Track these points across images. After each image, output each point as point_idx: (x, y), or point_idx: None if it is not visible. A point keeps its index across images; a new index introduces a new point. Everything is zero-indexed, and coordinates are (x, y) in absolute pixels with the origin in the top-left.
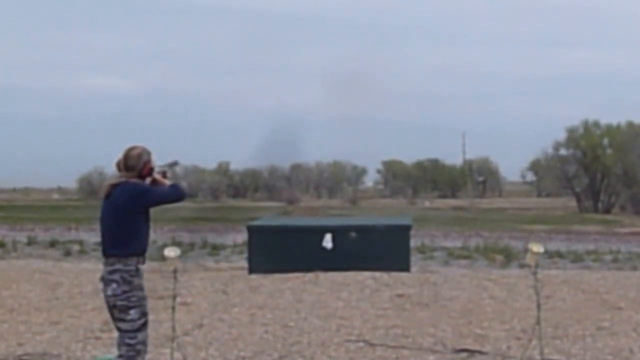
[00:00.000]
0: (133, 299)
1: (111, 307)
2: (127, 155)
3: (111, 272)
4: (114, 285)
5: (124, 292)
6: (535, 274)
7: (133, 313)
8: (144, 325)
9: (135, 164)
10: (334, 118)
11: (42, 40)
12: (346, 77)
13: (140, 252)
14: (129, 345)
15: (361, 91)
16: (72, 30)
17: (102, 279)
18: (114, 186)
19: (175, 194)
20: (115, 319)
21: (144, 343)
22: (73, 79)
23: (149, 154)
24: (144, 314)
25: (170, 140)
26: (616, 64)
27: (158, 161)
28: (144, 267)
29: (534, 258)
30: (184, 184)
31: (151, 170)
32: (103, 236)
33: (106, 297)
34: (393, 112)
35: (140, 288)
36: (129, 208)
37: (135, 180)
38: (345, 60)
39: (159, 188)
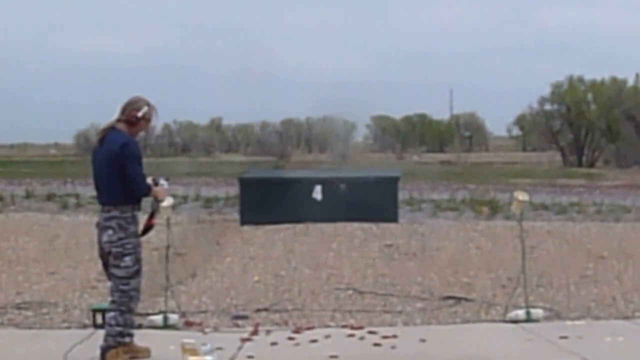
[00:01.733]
0: (128, 246)
1: (106, 254)
2: (126, 101)
3: (107, 219)
4: (110, 232)
5: (120, 239)
6: (520, 222)
7: (128, 260)
8: (138, 272)
9: (126, 106)
10: (323, 75)
11: (41, 1)
12: (335, 36)
13: (135, 199)
14: (122, 291)
15: (351, 50)
16: None
17: (98, 225)
18: (104, 131)
19: (141, 187)
20: (109, 266)
21: (137, 289)
22: (69, 36)
23: (145, 104)
24: (138, 261)
25: (164, 96)
26: (601, 20)
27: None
28: (138, 214)
29: (520, 206)
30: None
31: (134, 118)
32: (97, 184)
33: (101, 243)
34: (381, 70)
35: (135, 235)
36: (118, 157)
37: (124, 128)
38: (338, 19)
39: (137, 168)
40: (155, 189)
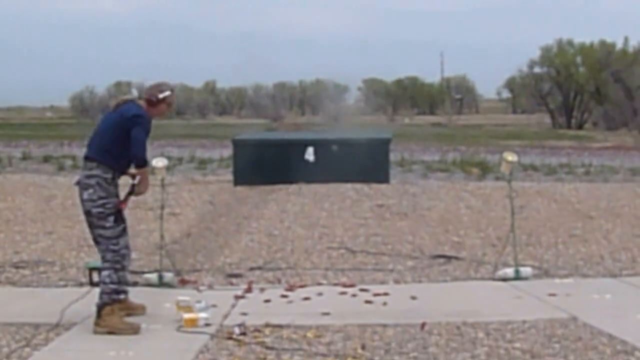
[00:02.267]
0: (109, 205)
1: (86, 213)
2: (152, 84)
3: (89, 177)
4: (90, 191)
5: (100, 197)
6: (509, 182)
7: (111, 219)
8: (124, 230)
9: (150, 88)
10: (317, 37)
11: None
12: None
13: (119, 169)
14: (114, 251)
15: (340, 9)
16: None
17: (79, 182)
18: (123, 100)
19: (142, 153)
20: (94, 228)
21: (127, 247)
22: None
23: (168, 90)
24: (123, 220)
25: (159, 58)
26: None
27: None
28: (118, 180)
29: (509, 167)
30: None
31: (156, 99)
32: (92, 139)
33: (82, 201)
34: (372, 31)
35: (116, 196)
36: (128, 124)
37: (143, 105)
38: None
39: (142, 135)
40: (144, 170)
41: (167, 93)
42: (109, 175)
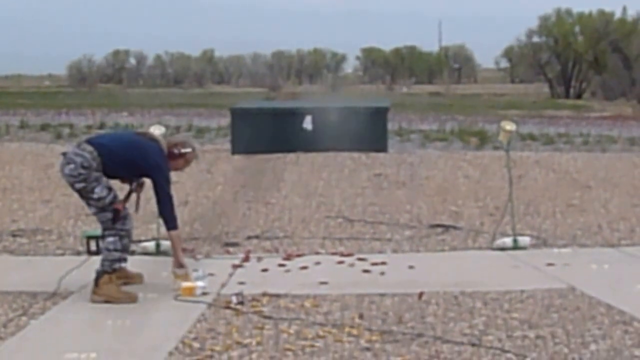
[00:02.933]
0: (91, 178)
1: (70, 186)
2: (180, 141)
3: (77, 154)
4: (72, 166)
5: (80, 174)
6: (507, 151)
7: (98, 190)
8: (115, 197)
9: (174, 141)
10: (316, 7)
11: None
12: None
13: (105, 172)
14: (114, 219)
15: None
16: None
17: (65, 154)
18: (152, 138)
19: (168, 210)
20: (84, 199)
21: (126, 209)
22: None
23: (190, 147)
24: (110, 189)
25: (156, 28)
26: None
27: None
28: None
29: (506, 136)
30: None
31: (176, 154)
32: (105, 135)
33: (63, 175)
34: (371, 1)
35: (97, 170)
36: (144, 167)
37: (165, 150)
38: None
39: (167, 190)
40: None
41: (189, 150)
42: (94, 164)
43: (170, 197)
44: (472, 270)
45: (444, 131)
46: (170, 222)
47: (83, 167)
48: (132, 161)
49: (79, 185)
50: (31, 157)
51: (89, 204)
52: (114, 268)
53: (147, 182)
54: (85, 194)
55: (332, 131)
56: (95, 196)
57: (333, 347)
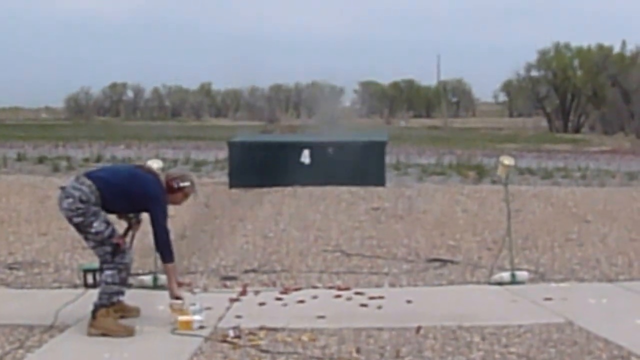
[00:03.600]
0: (89, 213)
1: (67, 220)
2: (179, 174)
3: (75, 188)
4: (70, 200)
5: (78, 208)
6: (505, 185)
7: (97, 225)
8: (114, 231)
9: (173, 176)
10: (313, 39)
11: None
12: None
13: (103, 206)
14: (113, 253)
15: (337, 12)
16: None
17: (63, 188)
18: (150, 171)
19: (163, 242)
20: (81, 234)
21: (126, 248)
22: (60, 1)
23: (188, 181)
24: (107, 222)
25: (154, 60)
26: None
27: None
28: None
29: (505, 170)
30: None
31: (175, 188)
32: (104, 168)
33: (61, 209)
34: (369, 33)
35: (96, 204)
36: (142, 198)
37: (163, 183)
38: None
39: (163, 222)
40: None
41: (187, 184)
42: (93, 197)
43: (166, 230)
44: (470, 305)
45: (442, 165)
46: (166, 255)
47: (81, 201)
48: (131, 193)
49: (77, 220)
50: (28, 190)
51: (86, 238)
52: (112, 301)
53: (145, 217)
54: (83, 228)
55: (329, 165)
56: (93, 230)
57: None
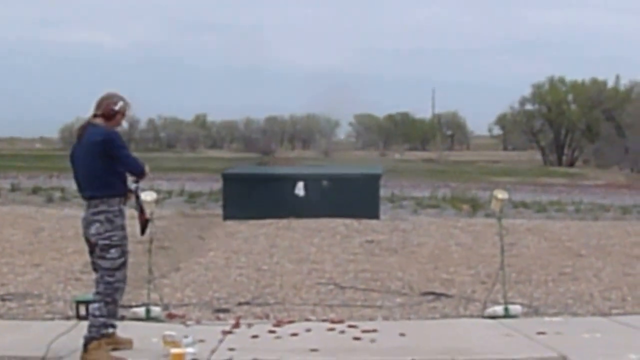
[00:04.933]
0: (115, 238)
1: (93, 245)
2: (101, 96)
3: (95, 214)
4: (97, 225)
5: (106, 230)
6: (499, 219)
7: (113, 252)
8: (123, 264)
9: (101, 101)
10: (307, 72)
11: None
12: (320, 34)
13: (122, 192)
14: (108, 282)
15: (334, 48)
16: None
17: (84, 219)
18: (84, 128)
19: (137, 167)
20: (95, 258)
21: (122, 281)
22: (57, 30)
23: (120, 99)
24: (124, 253)
25: (150, 92)
26: (583, 22)
27: (134, 112)
28: (125, 208)
29: (499, 204)
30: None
31: (112, 111)
32: (81, 179)
33: (87, 235)
34: (365, 66)
35: (122, 228)
36: (100, 151)
37: (102, 123)
38: (323, 16)
39: (125, 152)
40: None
41: (121, 104)
42: (115, 208)
43: (132, 157)
44: (464, 339)
45: (437, 198)
46: (141, 172)
47: (108, 221)
48: (103, 160)
49: (102, 242)
50: (22, 220)
51: (97, 260)
52: (101, 334)
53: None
54: (100, 251)
55: (324, 197)
56: (108, 255)
57: None
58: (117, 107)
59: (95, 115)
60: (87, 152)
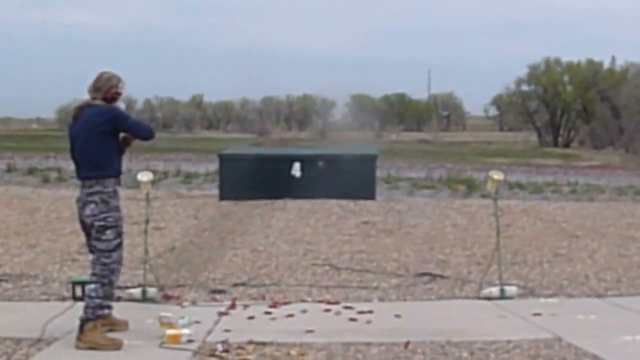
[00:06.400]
0: (110, 219)
1: (88, 227)
2: (97, 78)
3: (90, 194)
4: (93, 206)
5: (102, 212)
6: (495, 200)
7: (109, 233)
8: (119, 245)
9: (102, 85)
10: (303, 52)
11: None
12: (316, 15)
13: (117, 173)
14: (104, 264)
15: (329, 28)
16: None
17: (79, 200)
18: (81, 108)
19: (147, 130)
20: (91, 239)
21: (118, 262)
22: (52, 10)
23: (119, 80)
24: (120, 235)
25: (146, 73)
26: (579, 4)
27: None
28: (120, 189)
29: (495, 185)
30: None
31: (116, 96)
32: (77, 160)
33: (83, 217)
34: (362, 48)
35: (118, 209)
36: (104, 129)
37: (102, 103)
38: None
39: (135, 119)
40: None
41: (115, 83)
42: (110, 189)
43: (140, 122)
44: (459, 320)
45: (432, 179)
46: (152, 134)
47: (103, 202)
48: (103, 139)
49: (98, 224)
50: (18, 201)
51: (94, 242)
52: (97, 315)
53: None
54: (96, 233)
55: (320, 178)
56: (104, 237)
57: None
58: (119, 90)
59: (95, 99)
60: (87, 131)
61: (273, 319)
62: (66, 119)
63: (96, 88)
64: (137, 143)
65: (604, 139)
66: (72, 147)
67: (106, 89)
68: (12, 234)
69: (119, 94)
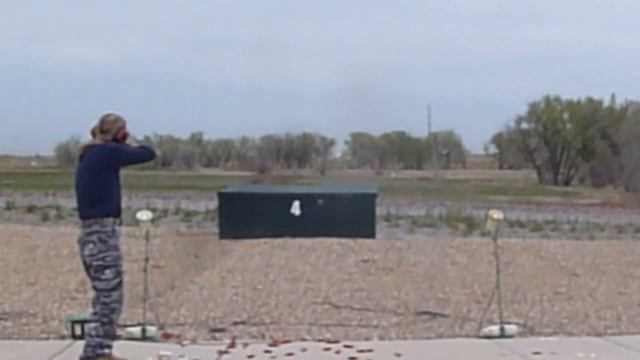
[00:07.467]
0: (108, 258)
1: (88, 267)
2: (103, 120)
3: (89, 234)
4: (91, 246)
5: (100, 251)
6: (495, 239)
7: (108, 272)
8: (119, 284)
9: (110, 127)
10: (303, 91)
11: (20, 13)
12: (313, 49)
13: (115, 212)
14: (104, 303)
15: (328, 63)
16: (50, 4)
17: (80, 240)
18: (88, 147)
19: (146, 153)
20: (92, 278)
21: (118, 301)
22: (50, 46)
23: (124, 121)
24: (119, 274)
25: (145, 109)
26: (578, 41)
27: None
28: (119, 229)
29: (494, 224)
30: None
31: (125, 135)
32: (78, 199)
33: (83, 257)
34: (360, 85)
35: (116, 248)
36: (102, 166)
37: (102, 142)
38: (315, 31)
39: (130, 147)
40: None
41: (121, 124)
42: (108, 228)
43: (136, 149)
44: (459, 358)
45: (432, 217)
46: (147, 154)
47: (101, 241)
48: (104, 177)
49: (96, 263)
50: (17, 239)
51: (94, 282)
52: (97, 354)
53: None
54: (95, 272)
55: (320, 216)
56: (103, 276)
57: None
58: (126, 131)
59: (104, 140)
60: (88, 170)
61: (272, 357)
62: (65, 157)
63: (103, 130)
64: (136, 178)
65: (604, 176)
66: (76, 186)
67: (115, 130)
68: (11, 271)
69: (127, 134)
